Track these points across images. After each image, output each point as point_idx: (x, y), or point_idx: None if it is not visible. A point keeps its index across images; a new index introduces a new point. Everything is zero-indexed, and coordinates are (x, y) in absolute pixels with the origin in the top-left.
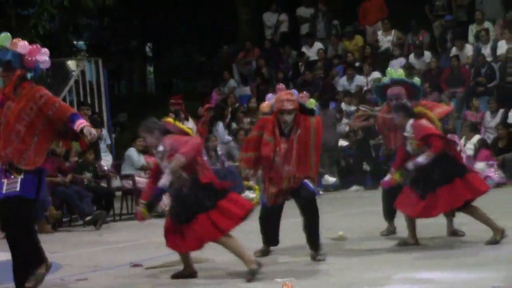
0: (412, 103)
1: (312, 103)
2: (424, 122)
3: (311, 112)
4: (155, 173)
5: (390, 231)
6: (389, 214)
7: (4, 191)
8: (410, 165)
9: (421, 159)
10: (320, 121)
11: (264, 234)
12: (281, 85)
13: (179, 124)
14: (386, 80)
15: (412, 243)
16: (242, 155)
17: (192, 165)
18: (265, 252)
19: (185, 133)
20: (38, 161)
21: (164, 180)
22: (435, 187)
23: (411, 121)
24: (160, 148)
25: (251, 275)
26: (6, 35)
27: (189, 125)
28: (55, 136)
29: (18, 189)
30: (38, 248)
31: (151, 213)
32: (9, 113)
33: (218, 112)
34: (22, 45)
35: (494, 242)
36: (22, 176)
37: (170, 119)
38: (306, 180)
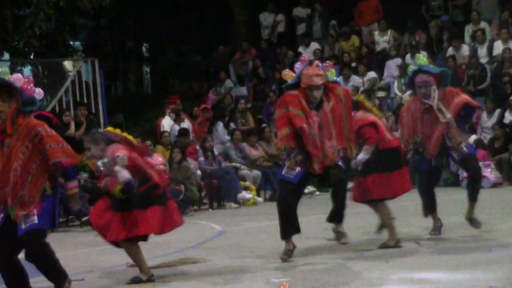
0: (441, 90)
1: (333, 73)
2: (358, 114)
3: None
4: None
5: (437, 228)
6: (429, 208)
7: (23, 227)
8: (353, 164)
9: (362, 155)
10: (349, 92)
11: (285, 221)
12: (305, 56)
13: (120, 132)
14: (414, 68)
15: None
16: (279, 134)
17: (136, 171)
18: (290, 251)
19: (128, 141)
20: (33, 201)
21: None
22: (367, 173)
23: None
24: (105, 159)
25: (134, 282)
26: (4, 70)
27: (185, 125)
28: (48, 173)
29: (36, 221)
30: (59, 267)
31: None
32: (8, 152)
33: (218, 112)
34: (16, 78)
35: (385, 246)
36: (37, 210)
37: (111, 129)
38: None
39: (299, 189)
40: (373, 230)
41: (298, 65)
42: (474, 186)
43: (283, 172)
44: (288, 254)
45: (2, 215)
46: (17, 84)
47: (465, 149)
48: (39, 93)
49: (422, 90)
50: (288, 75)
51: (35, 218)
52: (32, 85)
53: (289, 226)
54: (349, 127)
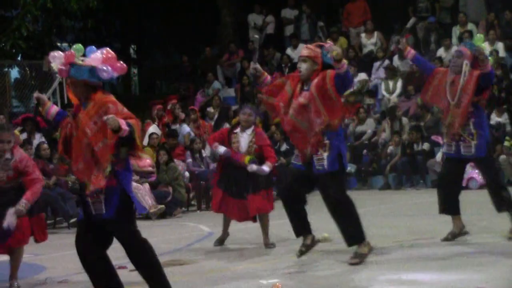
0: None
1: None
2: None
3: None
4: None
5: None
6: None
7: (94, 213)
8: (256, 169)
9: (266, 168)
10: (333, 73)
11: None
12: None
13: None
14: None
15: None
16: (262, 98)
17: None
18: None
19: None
20: (102, 178)
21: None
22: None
23: None
24: (8, 155)
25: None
26: (79, 46)
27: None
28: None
29: (105, 210)
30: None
31: None
32: (78, 125)
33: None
34: (95, 58)
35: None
36: (103, 195)
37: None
38: (314, 157)
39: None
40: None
41: None
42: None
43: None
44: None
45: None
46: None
47: (473, 149)
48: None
49: (454, 59)
50: None
51: (103, 206)
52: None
53: (299, 227)
54: (326, 113)
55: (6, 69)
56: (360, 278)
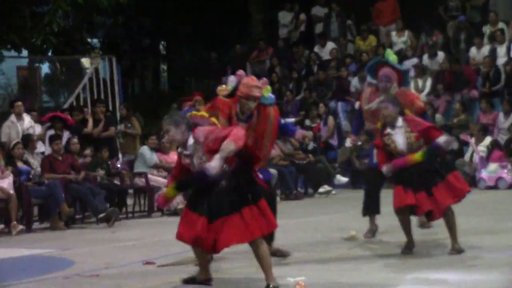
0: (402, 88)
1: (268, 90)
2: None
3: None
4: (178, 172)
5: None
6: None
7: None
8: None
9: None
10: (278, 112)
11: None
12: (241, 72)
13: (207, 115)
14: (378, 59)
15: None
16: None
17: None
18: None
19: (215, 125)
20: None
21: (214, 164)
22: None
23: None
24: (190, 141)
25: None
26: None
27: None
28: None
29: None
30: None
31: (177, 193)
32: None
33: None
34: None
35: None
36: None
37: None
38: None
39: None
40: (390, 231)
41: (231, 79)
42: None
43: None
44: None
45: None
46: None
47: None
48: None
49: (383, 84)
50: (224, 91)
51: None
52: None
53: None
54: (269, 147)
55: (37, 65)
56: (387, 277)
